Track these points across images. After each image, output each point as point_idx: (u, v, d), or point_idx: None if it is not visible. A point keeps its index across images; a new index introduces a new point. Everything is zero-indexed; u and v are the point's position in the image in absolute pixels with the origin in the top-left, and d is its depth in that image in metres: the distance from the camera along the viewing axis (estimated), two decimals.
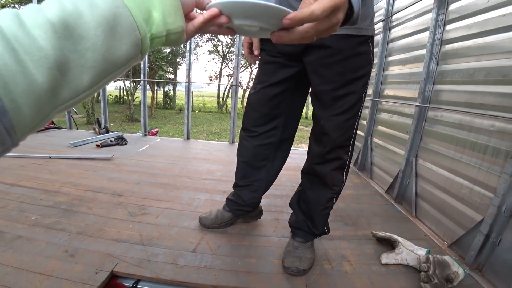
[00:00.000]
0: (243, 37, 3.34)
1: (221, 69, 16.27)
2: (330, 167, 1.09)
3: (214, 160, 2.68)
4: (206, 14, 0.37)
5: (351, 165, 2.42)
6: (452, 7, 1.62)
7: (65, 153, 2.56)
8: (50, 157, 2.39)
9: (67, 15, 0.25)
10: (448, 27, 1.64)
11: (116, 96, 17.71)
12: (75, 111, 4.03)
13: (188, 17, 0.39)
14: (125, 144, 3.06)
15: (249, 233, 1.42)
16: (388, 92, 2.38)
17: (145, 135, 3.67)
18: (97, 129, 3.54)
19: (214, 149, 3.16)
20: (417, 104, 1.81)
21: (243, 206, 1.37)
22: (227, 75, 16.44)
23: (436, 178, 1.63)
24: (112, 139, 3.06)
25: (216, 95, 17.75)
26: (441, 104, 1.66)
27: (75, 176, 2.02)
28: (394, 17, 2.33)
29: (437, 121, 1.67)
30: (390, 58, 2.37)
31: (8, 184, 1.81)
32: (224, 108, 15.69)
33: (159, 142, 3.34)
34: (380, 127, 2.44)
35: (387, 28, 2.41)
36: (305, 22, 0.37)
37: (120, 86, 16.76)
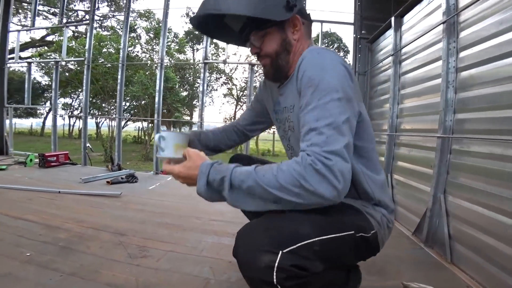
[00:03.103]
0: (254, 81, 3.51)
1: (235, 112, 16.82)
2: None
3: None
4: None
5: None
6: (463, 34, 1.59)
7: (75, 188, 2.54)
8: (59, 191, 2.37)
9: None
10: (462, 54, 1.59)
11: (134, 136, 18.38)
12: (91, 149, 4.11)
13: None
14: (136, 181, 3.02)
15: None
16: (405, 125, 2.28)
17: (157, 173, 3.65)
18: (110, 166, 3.56)
19: None
20: (438, 135, 1.69)
21: None
22: None
23: (472, 217, 1.43)
24: (123, 176, 3.04)
25: None
26: (465, 134, 1.54)
27: (80, 212, 1.96)
28: (403, 50, 2.33)
29: (464, 152, 1.53)
30: (404, 91, 2.31)
31: (12, 217, 1.78)
32: (239, 149, 15.85)
33: (170, 180, 3.28)
34: (400, 163, 2.29)
35: (397, 62, 2.40)
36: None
37: (138, 127, 17.49)
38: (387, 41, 2.67)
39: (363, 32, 3.23)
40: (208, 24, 0.90)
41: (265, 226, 0.67)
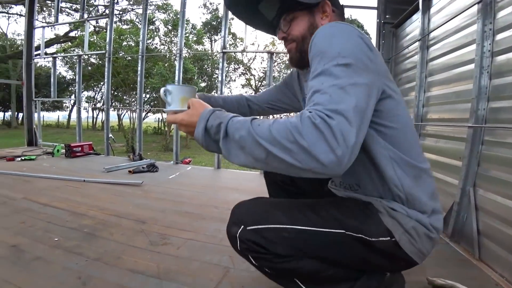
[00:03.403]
0: (274, 70, 3.43)
1: None
2: None
3: (244, 190, 2.57)
4: None
5: None
6: (501, 14, 1.45)
7: (99, 177, 2.63)
8: (84, 180, 2.47)
9: None
10: (499, 36, 1.46)
11: (154, 127, 18.84)
12: (113, 139, 4.25)
13: None
14: (156, 171, 3.09)
15: None
16: (431, 115, 2.16)
17: (177, 163, 3.71)
18: (131, 156, 3.67)
19: (244, 179, 3.06)
20: (469, 125, 1.58)
21: None
22: None
23: (504, 212, 1.34)
24: (144, 166, 3.12)
25: None
26: (500, 123, 1.43)
27: (104, 200, 2.03)
28: (431, 35, 2.19)
29: (498, 144, 1.43)
30: (431, 79, 2.18)
31: (42, 204, 1.88)
32: None
33: (190, 170, 3.34)
34: (425, 154, 2.18)
35: (424, 47, 2.26)
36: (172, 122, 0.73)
37: (158, 118, 17.90)
38: (414, 25, 2.51)
39: (387, 16, 3.06)
40: (239, 6, 0.90)
41: (250, 205, 0.77)
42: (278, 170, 0.56)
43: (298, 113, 0.60)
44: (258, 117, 0.66)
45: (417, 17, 2.47)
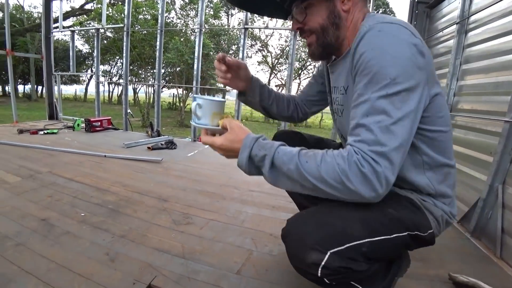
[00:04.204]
0: (295, 46, 3.31)
1: (269, 80, 16.49)
2: None
3: None
4: None
5: None
6: None
7: (119, 153, 2.69)
8: (105, 155, 2.53)
9: None
10: None
11: (169, 103, 18.94)
12: (131, 114, 4.30)
13: None
14: (175, 148, 3.13)
15: None
16: (463, 105, 2.05)
17: (194, 140, 3.74)
18: (149, 132, 3.72)
19: None
20: (506, 119, 1.49)
21: None
22: (276, 86, 16.61)
23: None
24: (163, 142, 3.16)
25: None
26: None
27: (125, 176, 2.08)
28: (472, 18, 2.03)
29: None
30: (466, 66, 2.04)
31: (67, 178, 1.94)
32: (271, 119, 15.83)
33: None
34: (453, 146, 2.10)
35: (463, 31, 2.10)
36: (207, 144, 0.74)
37: (173, 94, 17.92)
38: (452, 6, 2.32)
39: None
40: None
41: (317, 221, 0.66)
42: (322, 196, 0.62)
43: (343, 151, 0.60)
44: (304, 148, 0.66)
45: None
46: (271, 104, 1.03)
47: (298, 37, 3.48)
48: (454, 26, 2.15)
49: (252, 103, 1.03)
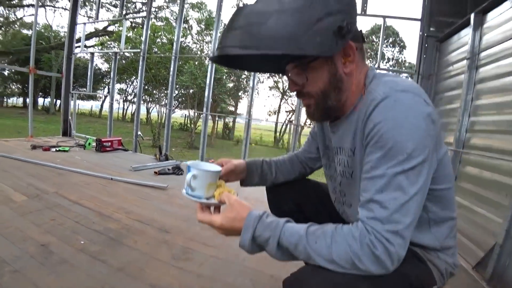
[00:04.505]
0: None
1: (279, 105, 16.71)
2: None
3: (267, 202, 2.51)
4: None
5: None
6: None
7: (126, 176, 2.70)
8: (112, 178, 2.54)
9: None
10: None
11: (180, 123, 19.31)
12: (141, 136, 4.36)
13: None
14: (181, 174, 3.12)
15: None
16: (476, 141, 1.98)
17: None
18: (157, 156, 3.74)
19: None
20: None
21: None
22: (286, 111, 16.80)
23: None
24: (170, 167, 3.16)
25: (274, 129, 18.12)
26: None
27: (129, 202, 2.07)
28: (483, 54, 2.01)
29: None
30: (479, 102, 2.00)
31: (72, 201, 1.95)
32: (280, 143, 15.83)
33: None
34: (465, 184, 2.00)
35: (473, 67, 2.08)
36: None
37: (185, 115, 18.33)
38: (462, 41, 2.32)
39: (431, 29, 2.87)
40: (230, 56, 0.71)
41: (317, 284, 0.59)
42: (332, 269, 0.60)
43: (354, 230, 0.58)
44: (313, 224, 0.63)
45: (466, 33, 2.28)
46: (276, 177, 1.01)
47: None
48: (465, 61, 2.13)
49: (258, 184, 1.03)
